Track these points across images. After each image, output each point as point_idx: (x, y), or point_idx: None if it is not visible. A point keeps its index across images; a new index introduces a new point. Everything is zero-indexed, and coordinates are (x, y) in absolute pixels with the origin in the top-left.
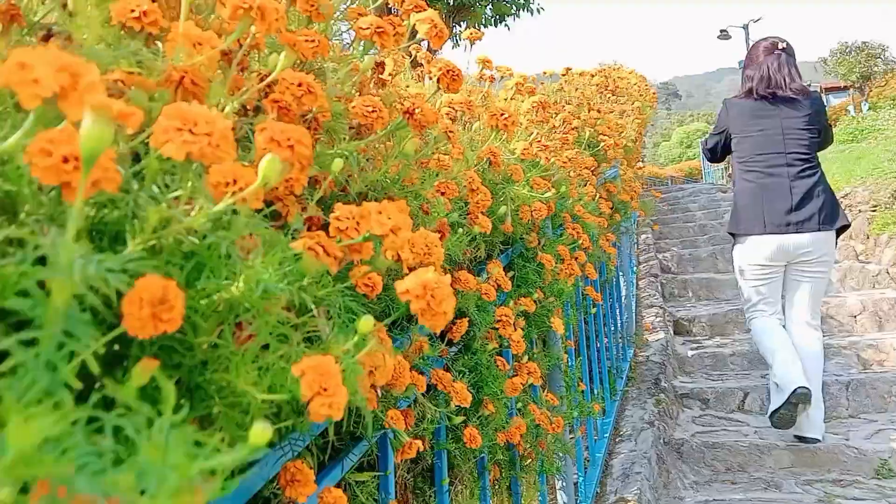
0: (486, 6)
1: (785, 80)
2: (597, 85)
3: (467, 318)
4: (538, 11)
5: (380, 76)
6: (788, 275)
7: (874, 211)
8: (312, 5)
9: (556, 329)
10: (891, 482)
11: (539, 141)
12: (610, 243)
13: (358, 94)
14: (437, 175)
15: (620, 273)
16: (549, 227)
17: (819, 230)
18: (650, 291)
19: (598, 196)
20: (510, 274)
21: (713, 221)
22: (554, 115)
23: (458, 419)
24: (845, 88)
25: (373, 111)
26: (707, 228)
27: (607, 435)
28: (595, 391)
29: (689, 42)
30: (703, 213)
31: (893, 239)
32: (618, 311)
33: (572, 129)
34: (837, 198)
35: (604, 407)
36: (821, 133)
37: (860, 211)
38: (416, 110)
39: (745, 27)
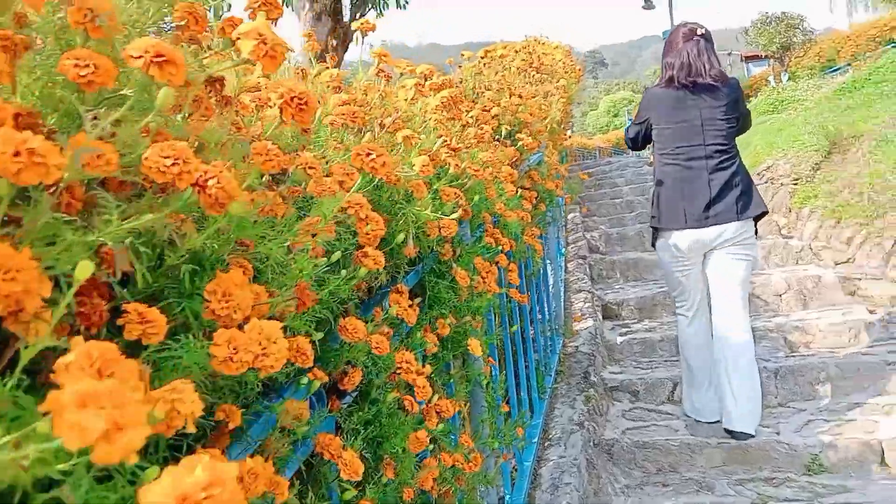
0: None
1: (704, 67)
2: (521, 62)
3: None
4: None
5: (221, 95)
6: (711, 262)
7: (795, 184)
8: (86, 15)
9: (474, 351)
10: (821, 478)
11: (448, 144)
12: (535, 237)
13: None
14: (299, 219)
15: (548, 261)
16: (468, 232)
17: (737, 219)
18: (579, 275)
19: (519, 190)
20: (418, 300)
21: (640, 197)
22: (466, 112)
23: (351, 493)
24: (765, 58)
25: (174, 164)
26: (634, 205)
27: (535, 440)
28: (522, 398)
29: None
30: (629, 188)
31: (815, 213)
32: (545, 302)
33: (492, 117)
34: (755, 181)
35: (532, 407)
36: (739, 121)
37: (782, 184)
38: (211, 181)
39: None
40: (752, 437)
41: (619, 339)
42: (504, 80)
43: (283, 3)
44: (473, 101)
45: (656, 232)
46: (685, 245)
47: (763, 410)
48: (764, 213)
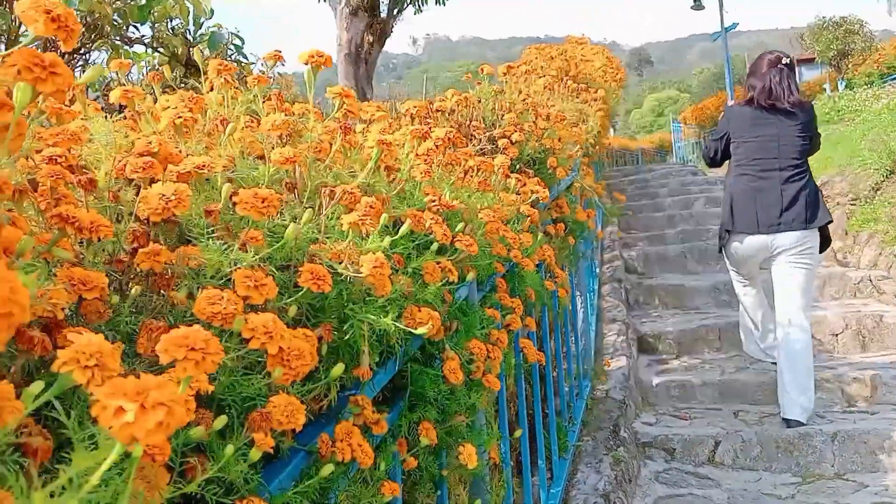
0: None
1: (784, 93)
2: (557, 70)
3: None
4: None
5: None
6: (776, 269)
7: (853, 204)
8: None
9: (468, 462)
10: None
11: (435, 204)
12: (562, 281)
13: None
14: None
15: (577, 293)
16: (473, 291)
17: (805, 228)
18: (613, 301)
19: (539, 234)
20: (397, 402)
21: (683, 211)
22: (465, 158)
23: None
24: (818, 62)
25: None
26: (676, 220)
27: None
28: (539, 464)
29: (662, 8)
30: (672, 200)
31: (874, 238)
32: (572, 342)
33: (512, 144)
34: (821, 195)
35: (551, 471)
36: (811, 140)
37: (838, 203)
38: None
39: None
40: (803, 424)
41: (656, 381)
42: (528, 100)
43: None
44: (493, 126)
45: (728, 235)
46: (756, 246)
47: (817, 481)
48: (829, 223)
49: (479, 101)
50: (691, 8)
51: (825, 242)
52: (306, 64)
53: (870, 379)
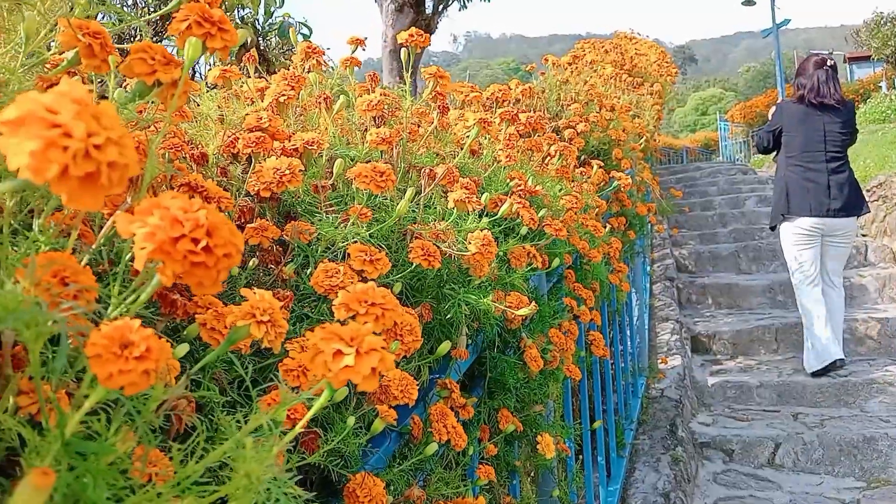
0: None
1: (830, 91)
2: (612, 63)
3: None
4: None
5: None
6: (823, 246)
7: None
8: None
9: (546, 452)
10: None
11: (521, 189)
12: (623, 275)
13: None
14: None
15: (633, 290)
16: (542, 281)
17: (848, 216)
18: (665, 299)
19: (607, 225)
20: (475, 389)
21: (734, 210)
22: (548, 144)
23: None
24: (873, 60)
25: None
26: (727, 219)
27: None
28: (599, 461)
29: (707, 5)
30: (722, 198)
31: None
32: (628, 338)
33: (578, 134)
34: (865, 197)
35: (609, 468)
36: (852, 135)
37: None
38: None
39: None
40: (844, 359)
41: (711, 381)
42: (593, 90)
43: None
44: (557, 116)
45: (783, 218)
46: (807, 228)
47: (882, 487)
48: (867, 212)
49: (543, 92)
50: (742, 4)
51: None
52: (404, 46)
53: None
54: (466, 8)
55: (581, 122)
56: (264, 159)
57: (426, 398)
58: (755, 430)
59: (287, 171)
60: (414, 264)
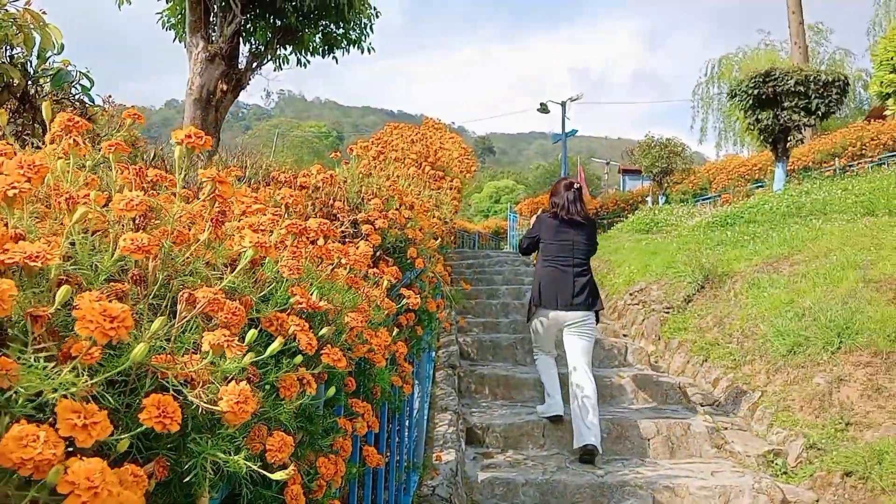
0: (315, 34)
1: (577, 209)
2: (416, 154)
3: None
4: (369, 51)
5: None
6: (566, 336)
7: (667, 312)
8: None
9: None
10: None
11: (302, 305)
12: (407, 376)
13: None
14: None
15: (417, 383)
16: (321, 394)
17: (588, 310)
18: (446, 388)
19: (394, 329)
20: None
21: (515, 301)
22: (337, 249)
23: None
24: (641, 173)
25: None
26: (509, 309)
27: None
28: None
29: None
30: (506, 288)
31: (683, 346)
32: (406, 434)
33: (375, 230)
34: (628, 300)
35: None
36: (594, 245)
37: (653, 310)
38: None
39: (563, 104)
40: (599, 450)
41: (481, 477)
42: (395, 186)
43: (174, 38)
44: (357, 209)
45: (536, 309)
46: (553, 318)
47: None
48: (601, 309)
49: (346, 182)
50: (538, 111)
51: (597, 318)
52: (180, 144)
53: (677, 488)
54: (282, 69)
55: (380, 217)
56: None
57: None
58: None
59: None
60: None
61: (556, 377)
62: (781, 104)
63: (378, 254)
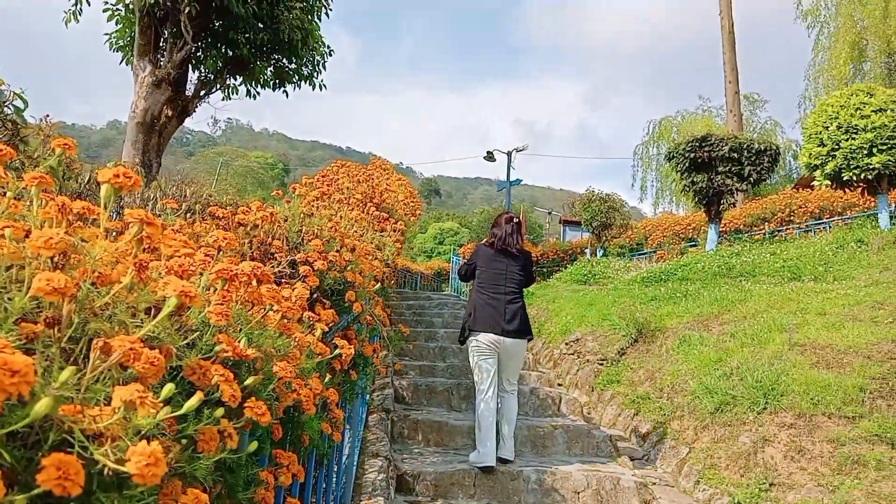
0: (266, 67)
1: (513, 242)
2: (362, 194)
3: None
4: (321, 88)
5: None
6: (501, 359)
7: (601, 364)
8: None
9: None
10: None
11: (227, 354)
12: (337, 424)
13: None
14: None
15: (347, 426)
16: (245, 443)
17: (519, 337)
18: (378, 433)
19: (327, 375)
20: None
21: (454, 346)
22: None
23: None
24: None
25: None
26: (447, 353)
27: None
28: None
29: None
30: (445, 331)
31: (616, 398)
32: (334, 480)
33: (313, 271)
34: (563, 349)
35: None
36: (528, 277)
37: (588, 360)
38: None
39: (510, 153)
40: (512, 462)
41: None
42: (337, 228)
43: (121, 61)
44: (296, 248)
45: (470, 333)
46: (486, 343)
47: None
48: (531, 337)
49: (286, 220)
50: (484, 158)
51: (528, 340)
52: (107, 183)
53: None
54: (230, 99)
55: (319, 259)
56: None
57: None
58: None
59: None
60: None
61: (492, 427)
62: (716, 168)
63: (315, 296)
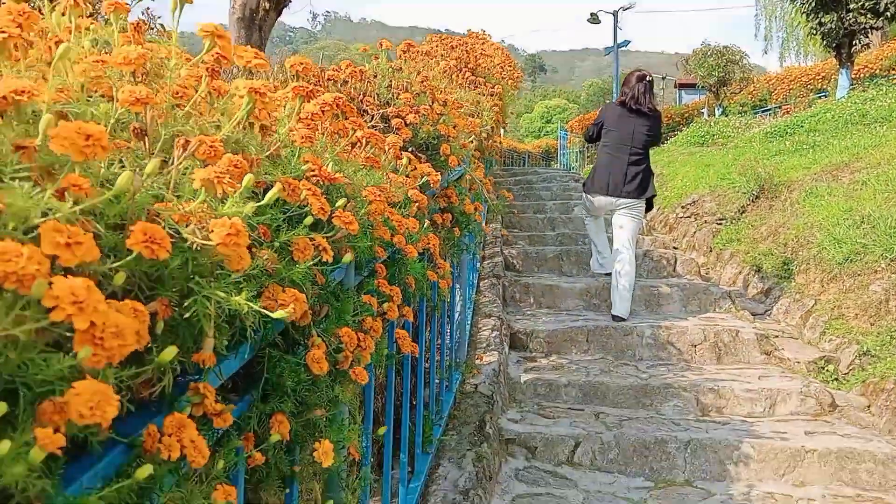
0: None
1: (644, 100)
2: (456, 59)
3: None
4: None
5: None
6: (616, 218)
7: (720, 224)
8: None
9: (324, 461)
10: None
11: (314, 174)
12: (445, 273)
13: None
14: None
15: (457, 285)
16: (351, 273)
17: (635, 197)
18: (490, 296)
19: (426, 221)
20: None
21: (563, 216)
22: (353, 128)
23: None
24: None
25: None
26: (556, 223)
27: None
28: (403, 458)
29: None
30: (554, 203)
31: (735, 257)
32: (447, 334)
33: (406, 125)
34: (679, 213)
35: (412, 463)
36: (656, 137)
37: (706, 222)
38: None
39: (615, 13)
40: (625, 320)
41: (524, 378)
42: (427, 82)
43: None
44: (387, 104)
45: (588, 191)
46: (603, 202)
47: (667, 488)
48: (654, 196)
49: (375, 77)
50: (588, 21)
51: (649, 206)
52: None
53: (722, 390)
54: None
55: (410, 112)
56: None
57: (175, 404)
58: (559, 429)
59: None
60: (140, 252)
61: (605, 238)
62: (847, 5)
63: (410, 150)
